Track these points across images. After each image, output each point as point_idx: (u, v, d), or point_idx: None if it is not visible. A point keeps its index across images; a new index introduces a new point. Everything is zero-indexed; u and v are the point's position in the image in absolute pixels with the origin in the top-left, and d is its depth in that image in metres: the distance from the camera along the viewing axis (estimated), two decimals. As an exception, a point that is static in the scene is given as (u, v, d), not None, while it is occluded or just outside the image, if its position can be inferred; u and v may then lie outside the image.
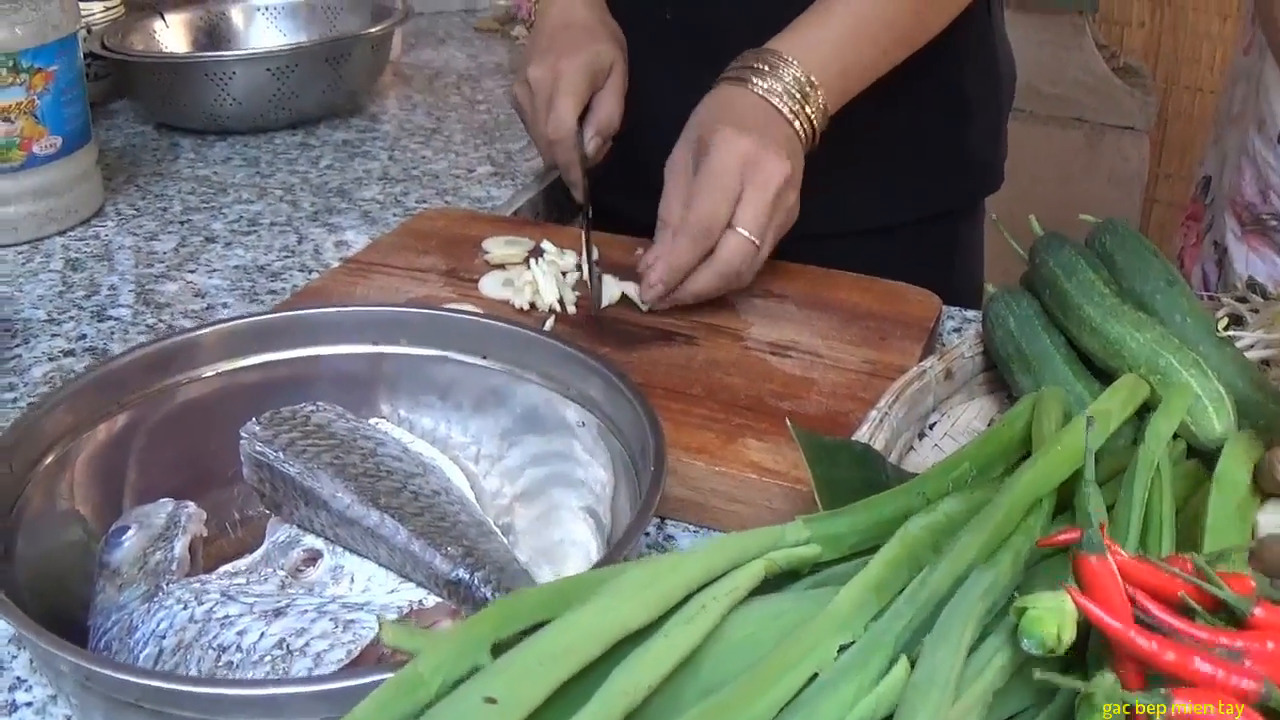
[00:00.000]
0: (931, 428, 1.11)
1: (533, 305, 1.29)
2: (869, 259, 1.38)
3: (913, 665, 0.65)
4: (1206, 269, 1.70)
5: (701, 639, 0.63)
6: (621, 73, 1.45)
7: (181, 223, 1.66)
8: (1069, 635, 0.64)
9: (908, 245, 1.54)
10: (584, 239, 1.36)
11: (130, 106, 2.13)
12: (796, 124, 1.24)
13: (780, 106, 1.24)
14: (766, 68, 1.25)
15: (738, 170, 1.20)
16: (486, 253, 1.38)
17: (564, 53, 1.41)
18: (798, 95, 1.24)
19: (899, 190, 1.54)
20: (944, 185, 1.57)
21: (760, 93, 1.24)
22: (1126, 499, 0.79)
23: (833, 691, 0.63)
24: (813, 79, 1.25)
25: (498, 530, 0.91)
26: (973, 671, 0.65)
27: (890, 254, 1.43)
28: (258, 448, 0.91)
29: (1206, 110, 3.62)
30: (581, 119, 1.41)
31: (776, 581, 0.73)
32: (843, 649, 0.66)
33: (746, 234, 1.20)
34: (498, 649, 0.61)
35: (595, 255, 1.35)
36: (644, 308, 1.28)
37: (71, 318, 1.41)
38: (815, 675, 0.64)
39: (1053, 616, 0.64)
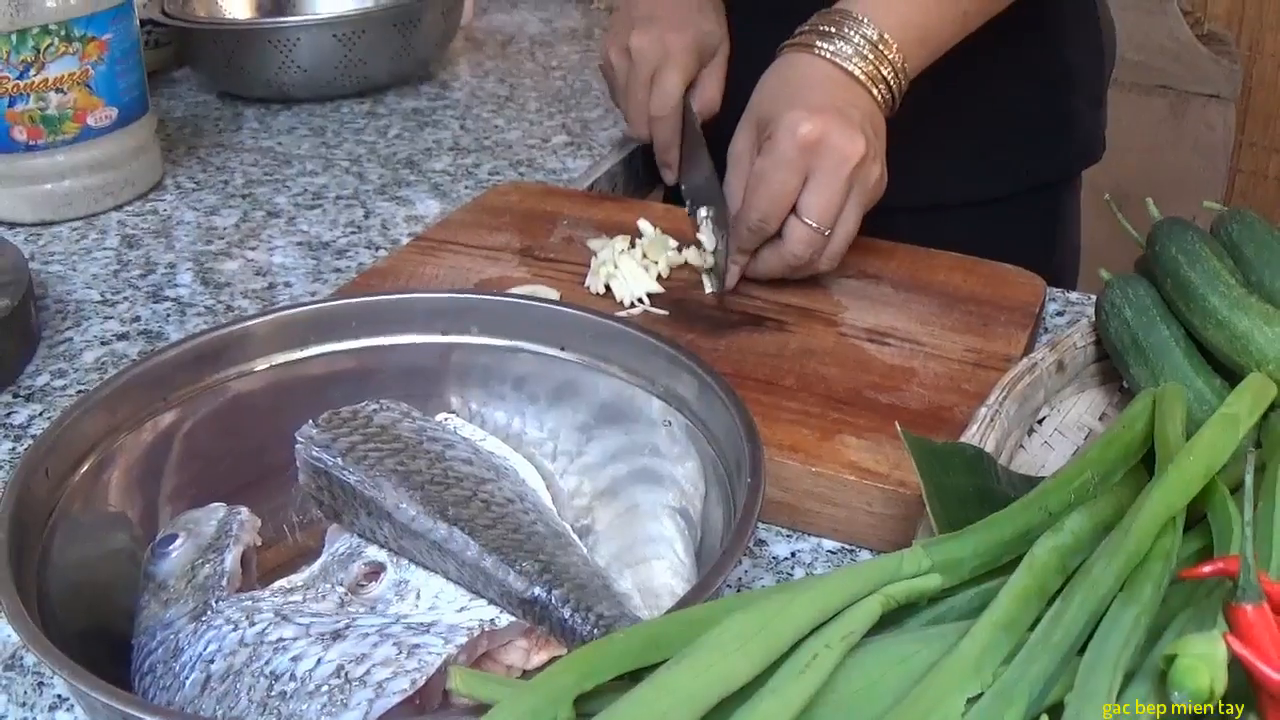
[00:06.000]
0: (1040, 422, 1.03)
1: (608, 288, 1.21)
2: (971, 232, 1.31)
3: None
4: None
5: (814, 693, 0.56)
6: (725, 55, 1.38)
7: (243, 196, 1.59)
8: (1221, 685, 0.56)
9: (1011, 217, 1.47)
10: (708, 225, 1.27)
11: (191, 75, 2.07)
12: (873, 89, 1.16)
13: (852, 70, 1.15)
14: (834, 29, 1.16)
15: (801, 156, 1.11)
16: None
17: (671, 26, 1.34)
18: (870, 57, 1.15)
19: (1002, 161, 1.46)
20: (1048, 156, 1.49)
21: (828, 57, 1.16)
22: (1267, 516, 0.71)
23: (963, 754, 0.55)
24: (886, 38, 1.15)
25: (577, 540, 0.83)
26: (1119, 728, 0.58)
27: (993, 226, 1.38)
28: (315, 453, 0.83)
29: (1292, 79, 3.56)
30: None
31: (891, 613, 0.65)
32: (971, 701, 0.59)
33: (812, 224, 1.13)
34: (581, 702, 0.54)
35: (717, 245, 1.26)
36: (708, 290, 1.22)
37: (126, 298, 1.34)
38: (943, 734, 0.57)
39: (1205, 664, 0.56)
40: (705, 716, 0.53)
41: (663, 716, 0.51)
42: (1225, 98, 3.42)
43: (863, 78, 1.15)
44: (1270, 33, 3.56)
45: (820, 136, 1.11)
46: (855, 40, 1.15)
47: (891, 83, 1.17)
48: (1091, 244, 1.62)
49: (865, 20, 1.15)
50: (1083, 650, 0.61)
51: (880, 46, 1.15)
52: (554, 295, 1.18)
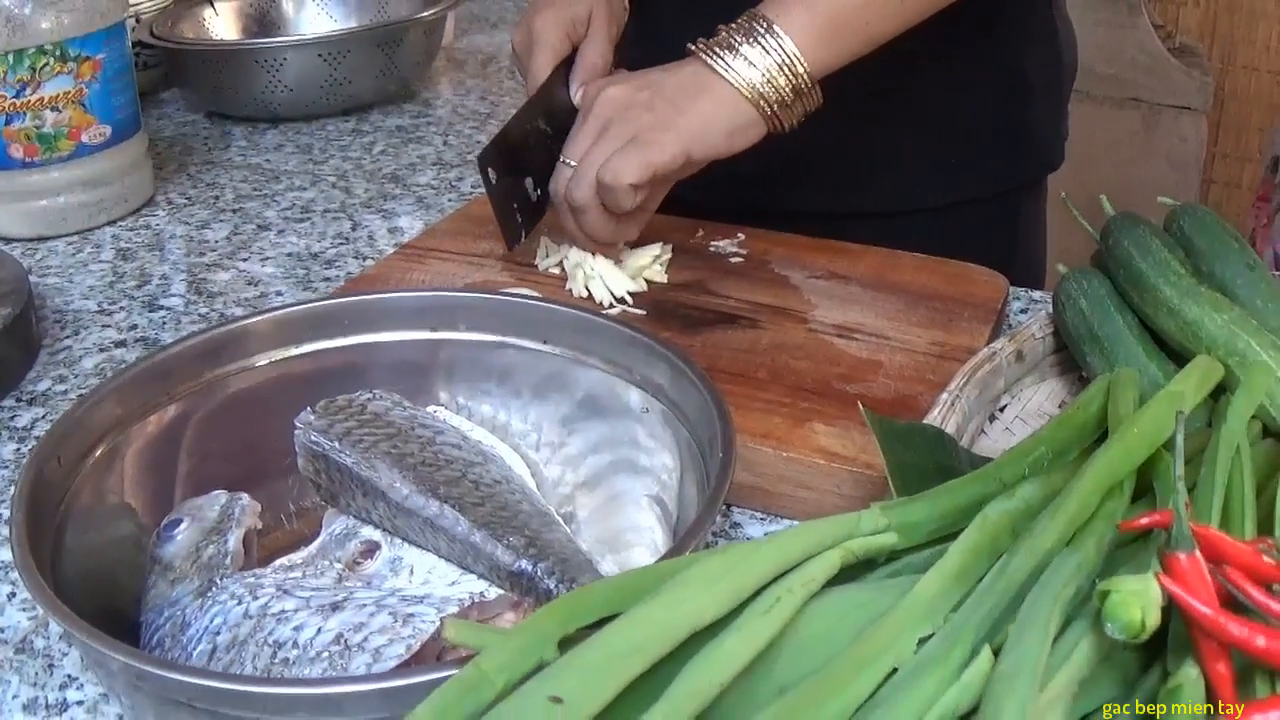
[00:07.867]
0: (1002, 410, 1.08)
1: (589, 291, 1.26)
2: (933, 237, 1.34)
3: (996, 655, 0.63)
4: (1279, 249, 1.66)
5: (776, 633, 0.60)
6: (604, 19, 1.37)
7: (234, 211, 1.64)
8: (1153, 620, 0.61)
9: (971, 223, 1.50)
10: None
11: (180, 95, 2.12)
12: (726, 70, 1.16)
13: (713, 63, 1.16)
14: (730, 31, 1.17)
15: (592, 115, 1.20)
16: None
17: (536, 10, 1.37)
18: (740, 38, 1.16)
19: (962, 168, 1.49)
20: (1007, 164, 1.52)
21: (699, 51, 1.18)
22: (1207, 481, 0.76)
23: (913, 686, 0.60)
24: (776, 28, 1.15)
25: (560, 520, 0.88)
26: (1058, 659, 0.62)
27: (954, 232, 1.40)
28: (313, 437, 0.88)
29: (1263, 90, 3.62)
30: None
31: (851, 571, 0.70)
32: (922, 641, 0.63)
33: (565, 159, 1.21)
34: (564, 645, 0.59)
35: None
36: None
37: (122, 308, 1.39)
38: (895, 670, 0.61)
39: (1136, 600, 0.61)
40: (675, 651, 0.57)
41: (636, 646, 0.55)
42: (1197, 109, 3.46)
43: (711, 60, 1.17)
44: (1241, 45, 3.61)
45: (597, 92, 1.20)
46: (742, 43, 1.16)
47: (784, 81, 1.16)
48: (1062, 254, 1.65)
49: (767, 19, 1.16)
50: (1028, 599, 0.66)
51: (759, 25, 1.16)
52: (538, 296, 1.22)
